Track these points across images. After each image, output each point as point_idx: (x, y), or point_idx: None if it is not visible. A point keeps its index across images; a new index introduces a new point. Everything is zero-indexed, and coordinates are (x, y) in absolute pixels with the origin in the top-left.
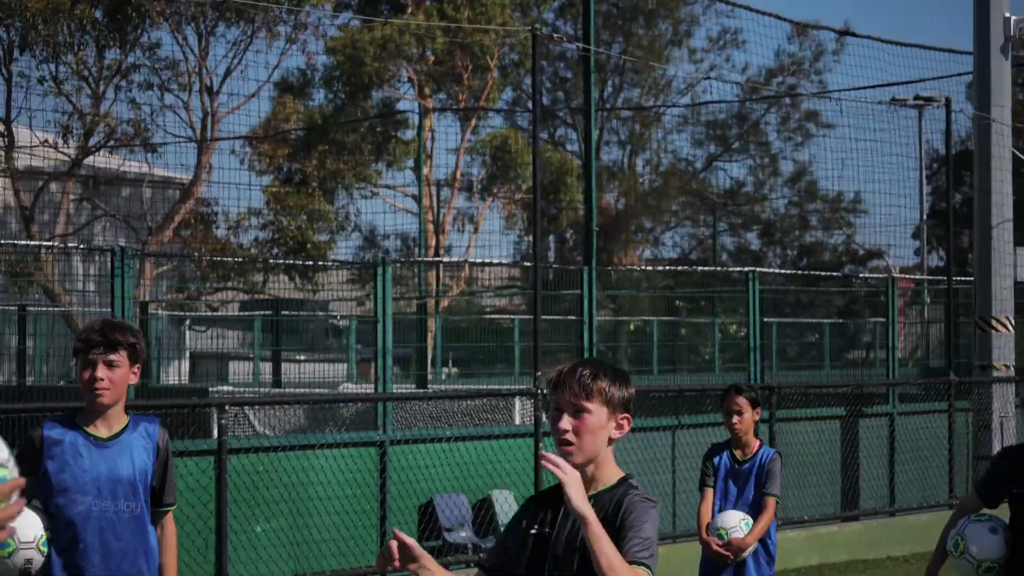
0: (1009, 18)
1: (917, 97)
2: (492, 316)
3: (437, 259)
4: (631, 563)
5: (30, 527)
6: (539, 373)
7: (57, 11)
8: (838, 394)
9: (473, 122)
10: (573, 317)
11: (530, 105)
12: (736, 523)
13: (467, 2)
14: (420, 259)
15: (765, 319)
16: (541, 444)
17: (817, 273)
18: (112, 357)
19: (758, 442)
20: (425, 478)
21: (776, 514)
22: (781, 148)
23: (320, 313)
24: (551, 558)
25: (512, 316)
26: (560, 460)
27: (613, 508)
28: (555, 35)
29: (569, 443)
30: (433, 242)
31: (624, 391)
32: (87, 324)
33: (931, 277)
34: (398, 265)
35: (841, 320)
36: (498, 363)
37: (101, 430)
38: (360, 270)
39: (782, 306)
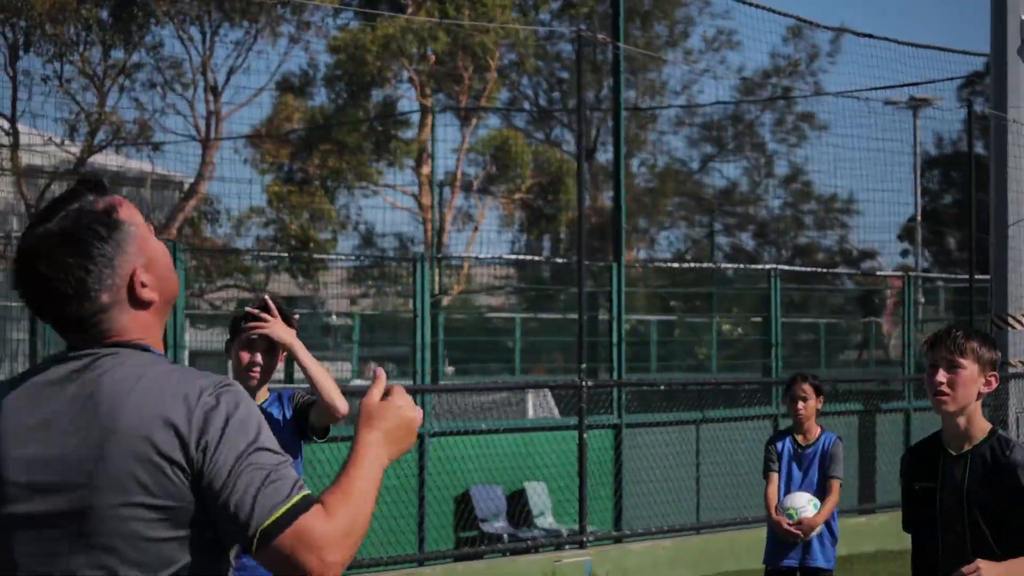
0: None
1: (911, 98)
2: (492, 315)
3: (472, 255)
4: None
5: None
6: (583, 366)
7: (63, 10)
8: (855, 390)
9: (473, 122)
10: (570, 316)
11: (578, 105)
12: (805, 503)
13: (468, 2)
14: (456, 255)
15: (763, 317)
16: (585, 436)
17: (835, 271)
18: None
19: (819, 428)
20: (462, 470)
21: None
22: (776, 149)
23: (326, 311)
24: (940, 511)
25: (512, 315)
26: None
27: (993, 464)
28: (599, 36)
29: (944, 394)
30: (434, 241)
31: (992, 352)
32: (246, 308)
33: (946, 275)
34: (394, 264)
35: (835, 319)
36: (493, 362)
37: None
38: (358, 269)
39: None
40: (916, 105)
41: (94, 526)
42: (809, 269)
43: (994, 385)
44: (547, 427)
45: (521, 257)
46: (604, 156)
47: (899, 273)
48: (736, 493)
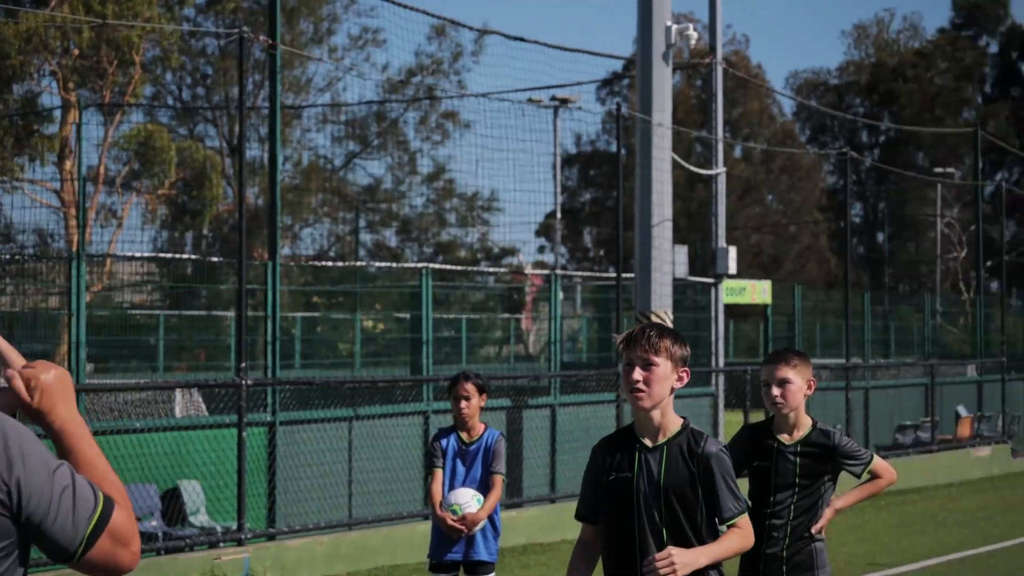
0: (670, 27)
1: (553, 98)
2: (136, 312)
3: (128, 254)
4: (730, 521)
5: None
6: (243, 364)
7: None
8: (504, 387)
9: (117, 117)
10: (215, 313)
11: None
12: (468, 499)
13: None
14: (108, 253)
15: (399, 314)
16: (244, 433)
17: (484, 270)
18: None
19: (483, 425)
20: (115, 469)
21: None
22: (420, 147)
23: None
24: (638, 500)
25: (156, 312)
26: (666, 562)
27: (688, 455)
28: (262, 38)
29: (640, 391)
30: (80, 238)
31: (684, 349)
32: None
33: (593, 273)
34: (35, 260)
35: (476, 316)
36: (135, 359)
37: None
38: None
39: (417, 302)
40: (557, 105)
41: None
42: (460, 268)
43: (685, 380)
44: (201, 425)
45: (177, 256)
46: (250, 152)
47: (546, 271)
48: (390, 488)
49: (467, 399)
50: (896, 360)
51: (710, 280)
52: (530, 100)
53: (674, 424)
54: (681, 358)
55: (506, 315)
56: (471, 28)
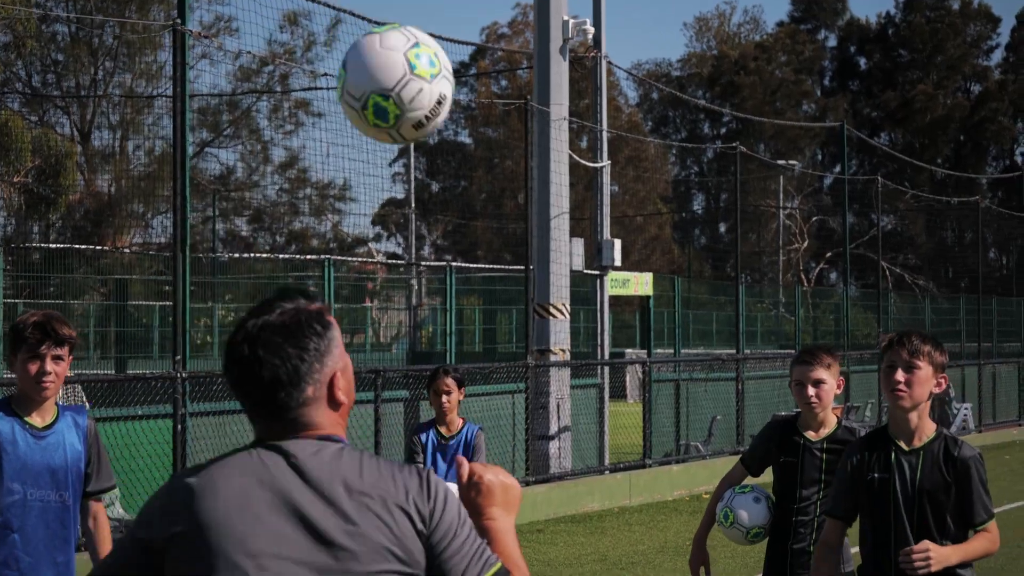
0: (567, 21)
1: None
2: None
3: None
4: (980, 526)
5: None
6: (177, 358)
7: None
8: (396, 378)
9: None
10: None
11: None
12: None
13: None
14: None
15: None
16: (179, 426)
17: (378, 260)
18: (59, 352)
19: (461, 420)
20: None
21: None
22: (272, 136)
23: None
24: (894, 501)
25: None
26: (923, 556)
27: (944, 460)
28: (199, 32)
29: (902, 391)
30: None
31: (943, 356)
32: (25, 317)
33: (487, 266)
34: None
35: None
36: None
37: (36, 420)
38: None
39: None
40: None
41: None
42: (368, 260)
43: (943, 386)
44: (108, 418)
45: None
46: (99, 140)
47: (442, 263)
48: None
49: (447, 393)
50: (782, 351)
51: (596, 272)
52: None
53: (929, 429)
54: (940, 364)
55: (359, 305)
56: (330, 6)
